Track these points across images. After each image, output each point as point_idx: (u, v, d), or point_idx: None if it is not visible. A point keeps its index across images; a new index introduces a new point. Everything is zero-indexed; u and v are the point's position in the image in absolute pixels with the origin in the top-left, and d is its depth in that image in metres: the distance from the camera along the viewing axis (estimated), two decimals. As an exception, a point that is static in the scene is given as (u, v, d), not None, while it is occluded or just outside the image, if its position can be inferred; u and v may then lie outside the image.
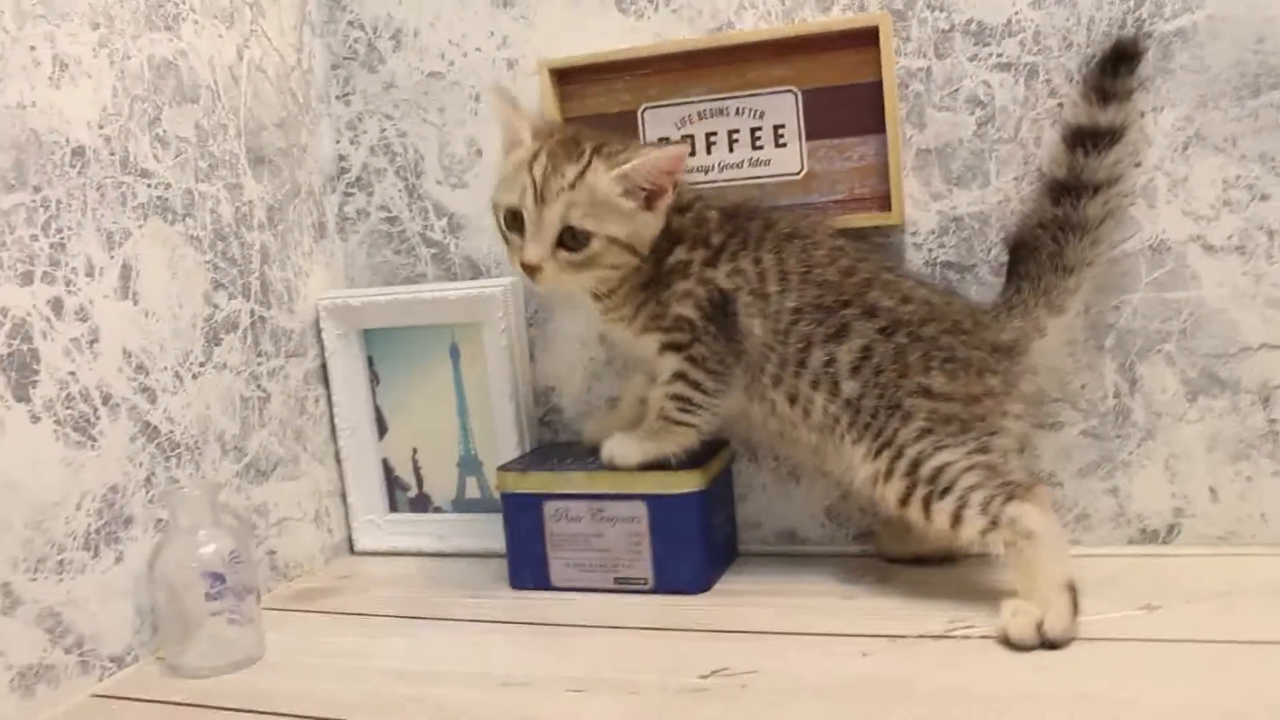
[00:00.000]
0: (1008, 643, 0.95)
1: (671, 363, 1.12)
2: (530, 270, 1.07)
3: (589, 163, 1.07)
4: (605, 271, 1.09)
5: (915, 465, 1.03)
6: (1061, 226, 1.09)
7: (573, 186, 1.05)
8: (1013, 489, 1.01)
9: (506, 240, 1.11)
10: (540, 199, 1.06)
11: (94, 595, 1.04)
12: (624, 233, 1.08)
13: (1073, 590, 0.97)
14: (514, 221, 1.09)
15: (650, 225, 1.10)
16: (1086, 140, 1.08)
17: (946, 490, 1.02)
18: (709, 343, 1.10)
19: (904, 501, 1.04)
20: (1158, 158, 1.11)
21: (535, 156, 1.07)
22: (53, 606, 1.00)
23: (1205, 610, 0.99)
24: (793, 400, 1.10)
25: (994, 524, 1.00)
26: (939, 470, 1.02)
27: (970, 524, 1.01)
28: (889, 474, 1.04)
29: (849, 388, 1.07)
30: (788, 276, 1.10)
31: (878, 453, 1.05)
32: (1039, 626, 0.95)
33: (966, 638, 0.97)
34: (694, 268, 1.11)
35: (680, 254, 1.11)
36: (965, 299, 1.15)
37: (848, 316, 1.08)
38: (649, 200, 1.09)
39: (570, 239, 1.07)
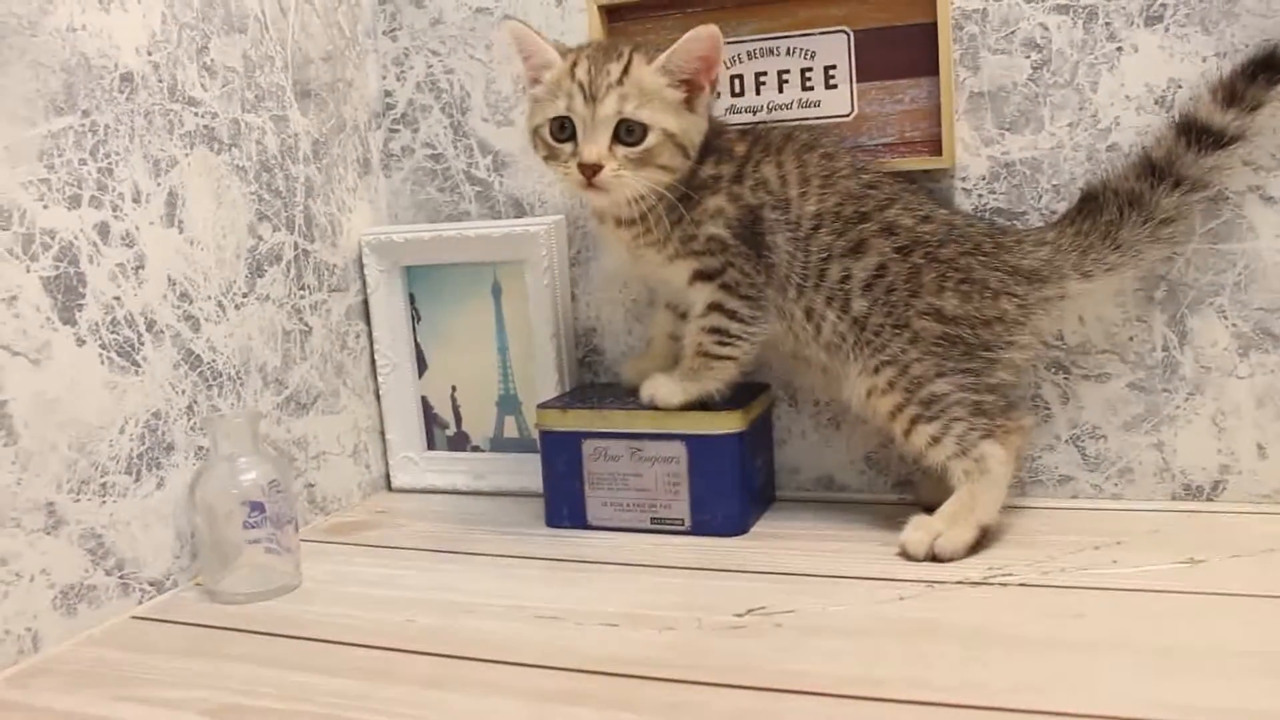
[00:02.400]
0: (904, 554, 1.04)
1: (705, 293, 1.12)
2: (590, 170, 1.06)
3: (630, 59, 1.07)
4: (658, 172, 1.08)
5: (915, 385, 1.06)
6: (1131, 202, 1.07)
7: (620, 82, 1.06)
8: (991, 429, 1.06)
9: (555, 154, 1.09)
10: (591, 98, 1.06)
11: (135, 519, 1.06)
12: (676, 126, 1.07)
13: (985, 532, 1.05)
14: (561, 131, 1.08)
15: (697, 125, 1.10)
16: (1196, 134, 1.05)
17: (934, 418, 1.06)
18: (741, 265, 1.10)
19: (893, 415, 1.08)
20: (1218, 105, 1.08)
21: (575, 64, 1.08)
22: (95, 528, 1.01)
23: (1250, 565, 0.98)
24: (809, 315, 1.10)
25: (963, 453, 1.06)
26: (933, 397, 1.06)
27: (943, 448, 1.06)
28: (888, 388, 1.07)
29: (859, 305, 1.08)
30: (809, 180, 1.10)
31: (877, 369, 1.07)
32: (934, 540, 1.03)
33: (1004, 584, 0.97)
34: (723, 183, 1.11)
35: (709, 168, 1.11)
36: (990, 220, 1.15)
37: (866, 232, 1.08)
38: (689, 98, 1.08)
39: (626, 133, 1.06)
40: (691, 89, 1.08)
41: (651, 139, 1.06)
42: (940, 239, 1.07)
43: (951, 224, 1.09)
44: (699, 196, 1.10)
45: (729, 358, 1.13)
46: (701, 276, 1.11)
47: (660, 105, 1.07)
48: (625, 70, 1.06)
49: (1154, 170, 1.07)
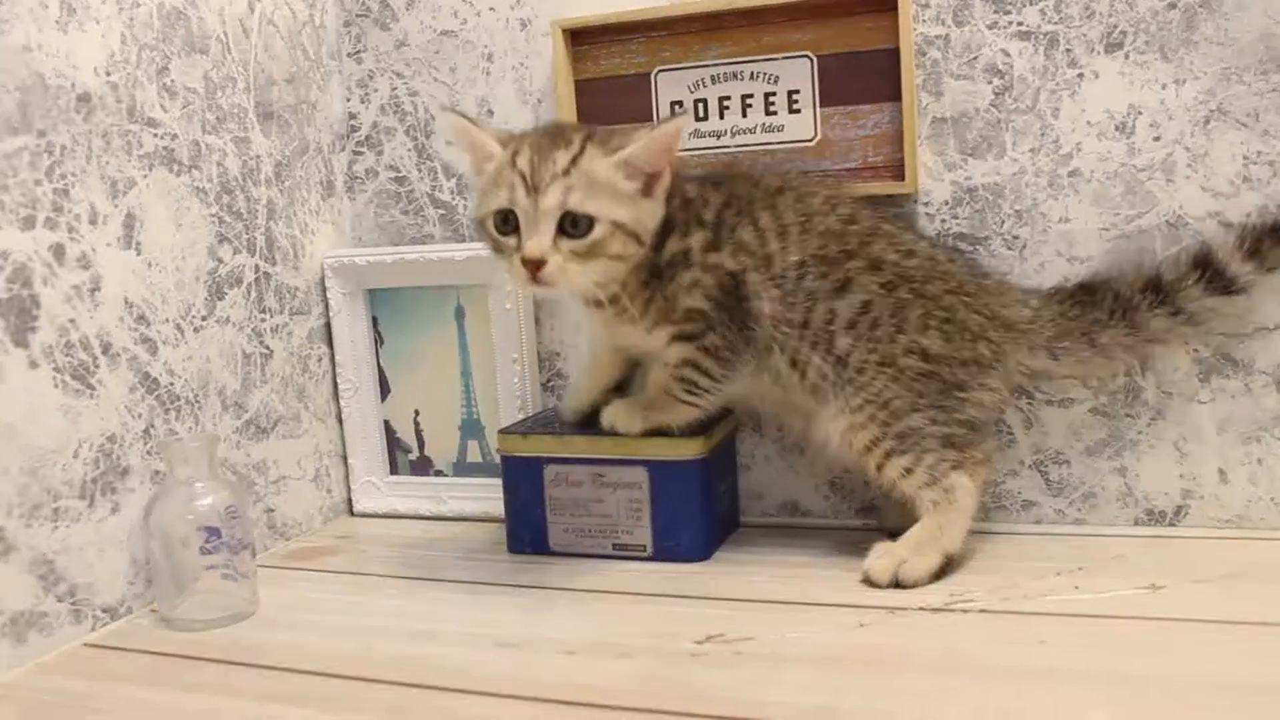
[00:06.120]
0: (868, 581, 1.03)
1: (681, 350, 1.10)
2: (534, 266, 1.00)
3: (582, 148, 1.02)
4: (610, 263, 1.03)
5: (892, 419, 1.05)
6: (1124, 310, 1.09)
7: (567, 172, 1.00)
8: (961, 460, 1.06)
9: (500, 248, 1.05)
10: (534, 188, 1.00)
11: (89, 545, 1.04)
12: (628, 217, 1.03)
13: (949, 560, 1.05)
14: (505, 224, 1.03)
15: (652, 212, 1.05)
16: (1211, 273, 1.06)
17: (906, 450, 1.06)
18: (722, 331, 1.08)
19: (868, 449, 1.07)
20: (1178, 131, 1.09)
21: (517, 153, 1.03)
22: (47, 554, 1.00)
23: (1211, 591, 0.98)
24: (794, 363, 1.09)
25: (933, 483, 1.05)
26: (909, 431, 1.06)
27: (915, 479, 1.06)
28: (867, 422, 1.06)
29: (842, 344, 1.06)
30: (787, 230, 1.08)
31: (860, 406, 1.06)
32: (899, 566, 1.03)
33: (965, 611, 0.96)
34: (695, 255, 1.07)
35: (674, 244, 1.07)
36: (967, 257, 1.15)
37: (852, 270, 1.06)
38: (647, 185, 1.05)
39: (571, 226, 1.01)
40: (650, 179, 1.05)
41: (599, 231, 1.01)
42: (925, 275, 1.07)
43: (934, 258, 1.09)
44: (670, 273, 1.07)
45: (694, 405, 1.12)
46: (681, 338, 1.09)
47: (610, 196, 1.02)
48: (574, 160, 1.01)
49: (1159, 289, 1.08)
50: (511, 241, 1.03)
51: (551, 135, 1.05)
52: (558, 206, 1.00)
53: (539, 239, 1.00)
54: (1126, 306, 1.08)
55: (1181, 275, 1.07)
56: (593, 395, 1.20)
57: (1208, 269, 1.06)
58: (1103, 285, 1.10)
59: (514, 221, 1.02)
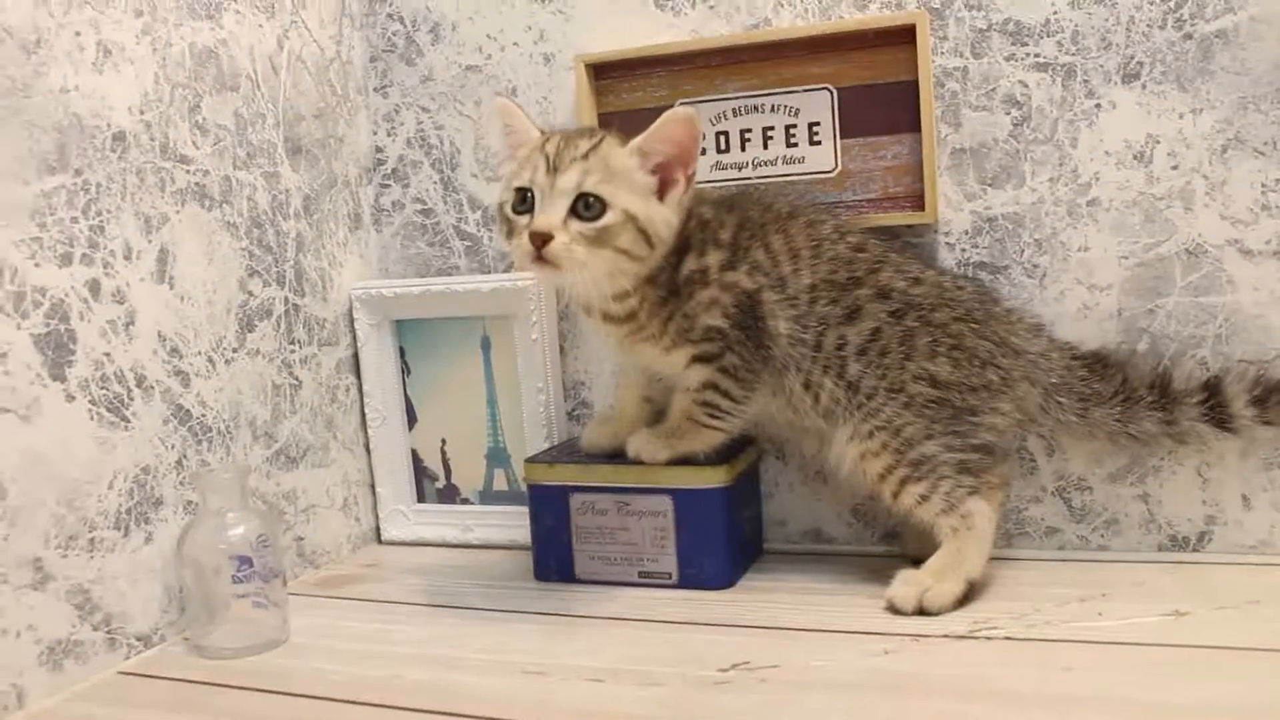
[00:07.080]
0: (892, 608, 1.04)
1: (701, 373, 1.11)
2: (539, 240, 1.01)
3: (602, 139, 1.06)
4: (617, 258, 1.04)
5: (905, 447, 1.06)
6: (1126, 396, 1.10)
7: (586, 157, 1.04)
8: (977, 486, 1.07)
9: (512, 229, 1.06)
10: (553, 169, 1.03)
11: (123, 574, 1.06)
12: (640, 210, 1.05)
13: (972, 586, 1.05)
14: (522, 203, 1.06)
15: (665, 218, 1.07)
16: (1212, 400, 1.08)
17: (922, 478, 1.06)
18: (740, 351, 1.09)
19: (883, 477, 1.08)
20: (1195, 160, 1.10)
21: (547, 141, 1.07)
22: (82, 584, 1.01)
23: (1235, 617, 0.98)
24: (807, 386, 1.10)
25: (950, 510, 1.06)
26: (923, 458, 1.06)
27: (931, 506, 1.06)
28: (881, 450, 1.07)
29: (853, 369, 1.08)
30: (798, 254, 1.10)
31: (871, 433, 1.07)
32: (923, 594, 1.03)
33: (989, 638, 0.97)
34: (712, 274, 1.09)
35: (691, 262, 1.10)
36: (978, 284, 1.15)
37: (861, 298, 1.08)
38: (662, 186, 1.07)
39: (584, 208, 1.03)
40: (665, 178, 1.07)
41: (610, 217, 1.03)
42: (933, 302, 1.08)
43: (941, 285, 1.10)
44: (687, 291, 1.09)
45: (718, 429, 1.13)
46: (700, 359, 1.11)
47: (626, 186, 1.04)
48: (594, 147, 1.05)
49: (1164, 393, 1.09)
50: (524, 220, 1.05)
51: (580, 131, 1.10)
52: (574, 187, 1.03)
53: (548, 215, 1.03)
54: (1129, 394, 1.10)
55: (1189, 390, 1.09)
56: (612, 440, 1.21)
57: (1213, 397, 1.08)
58: (1117, 364, 1.12)
59: (530, 200, 1.05)
